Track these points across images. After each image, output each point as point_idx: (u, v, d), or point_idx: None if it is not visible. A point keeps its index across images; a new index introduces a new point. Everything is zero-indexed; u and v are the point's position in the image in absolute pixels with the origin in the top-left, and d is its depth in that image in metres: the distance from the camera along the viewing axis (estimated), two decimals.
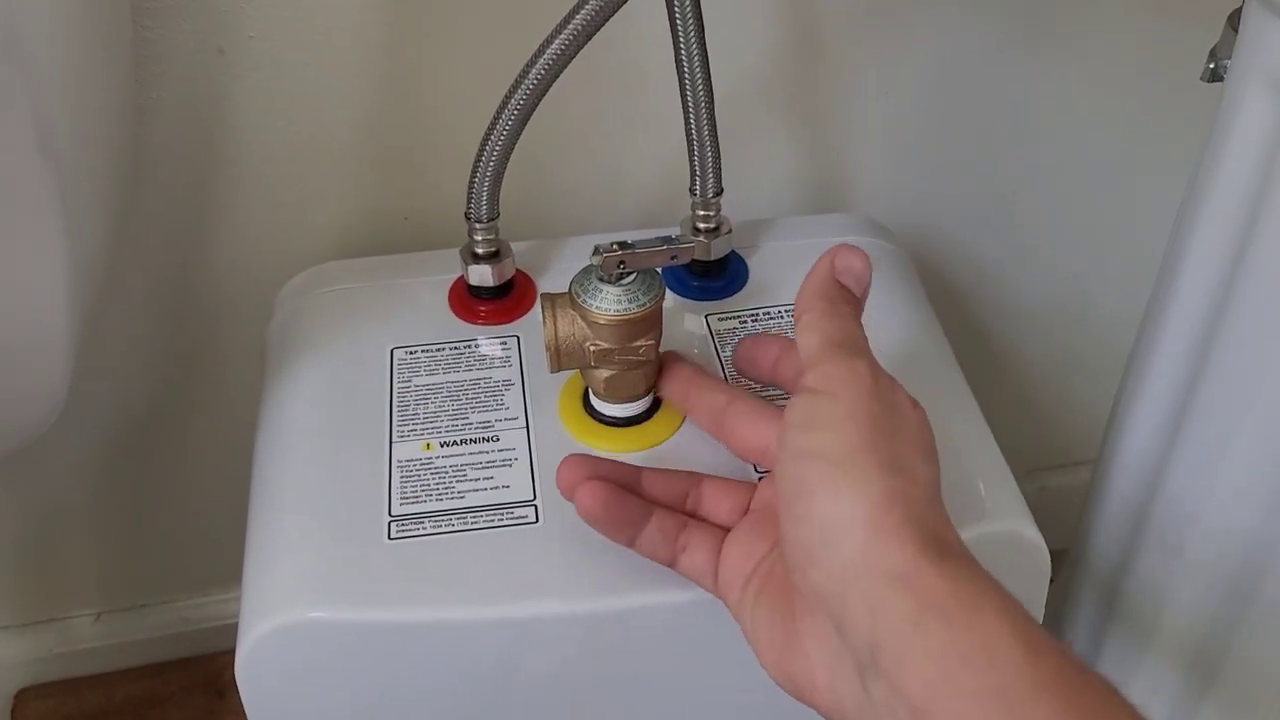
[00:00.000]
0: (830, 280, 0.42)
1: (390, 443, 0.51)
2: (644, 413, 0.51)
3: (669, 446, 0.50)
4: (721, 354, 0.55)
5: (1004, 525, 0.48)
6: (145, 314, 0.68)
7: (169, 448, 0.76)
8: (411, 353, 0.55)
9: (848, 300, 0.42)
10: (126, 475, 0.77)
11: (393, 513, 0.48)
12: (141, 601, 0.85)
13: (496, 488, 0.49)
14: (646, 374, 0.50)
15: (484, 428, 0.51)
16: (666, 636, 0.46)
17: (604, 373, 0.49)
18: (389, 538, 0.47)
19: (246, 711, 0.47)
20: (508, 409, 0.52)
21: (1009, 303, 0.81)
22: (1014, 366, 0.85)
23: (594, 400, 0.51)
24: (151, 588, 0.84)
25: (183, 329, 0.70)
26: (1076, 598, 0.66)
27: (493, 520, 0.47)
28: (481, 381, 0.53)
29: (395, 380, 0.54)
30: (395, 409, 0.52)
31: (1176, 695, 0.60)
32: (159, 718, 0.84)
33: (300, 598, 0.45)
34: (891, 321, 0.56)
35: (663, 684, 0.49)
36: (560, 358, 0.49)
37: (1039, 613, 0.48)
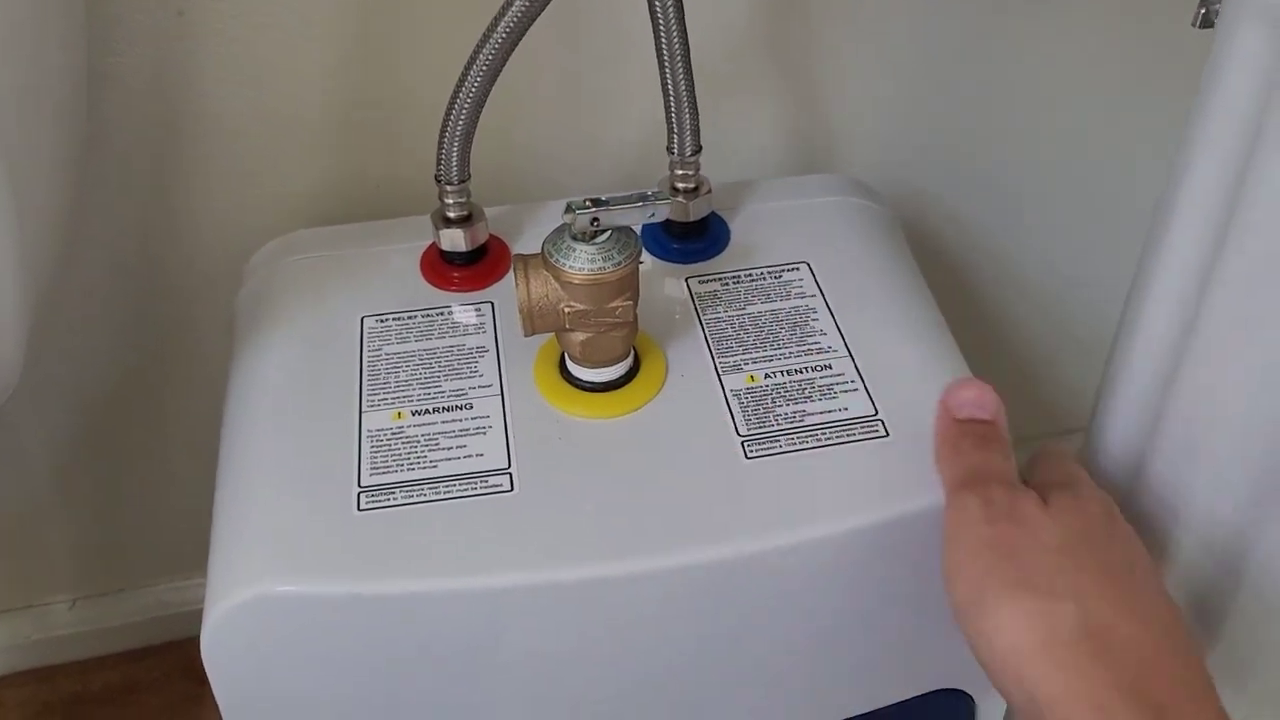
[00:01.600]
0: (949, 422, 0.46)
1: (360, 412, 0.49)
2: (622, 377, 0.49)
3: (648, 412, 0.49)
4: (703, 317, 0.53)
5: None
6: (111, 289, 0.67)
7: (142, 426, 0.74)
8: (382, 320, 0.53)
9: (967, 434, 0.45)
10: (99, 456, 0.75)
11: (362, 483, 0.46)
12: (118, 586, 0.83)
13: (470, 456, 0.47)
14: (624, 336, 0.48)
15: (457, 395, 0.50)
16: (643, 605, 0.45)
17: (580, 336, 0.47)
18: (359, 509, 0.45)
19: (213, 688, 0.46)
20: (482, 376, 0.51)
21: (998, 265, 0.79)
22: (1004, 331, 0.84)
23: (570, 365, 0.49)
24: (128, 572, 0.83)
25: (151, 303, 0.68)
26: None
27: (466, 489, 0.46)
28: (455, 349, 0.52)
29: (366, 349, 0.52)
30: (365, 378, 0.51)
31: None
32: (138, 704, 0.83)
33: (268, 571, 0.44)
34: (879, 284, 0.55)
35: (640, 652, 0.47)
36: (534, 320, 0.47)
37: None
